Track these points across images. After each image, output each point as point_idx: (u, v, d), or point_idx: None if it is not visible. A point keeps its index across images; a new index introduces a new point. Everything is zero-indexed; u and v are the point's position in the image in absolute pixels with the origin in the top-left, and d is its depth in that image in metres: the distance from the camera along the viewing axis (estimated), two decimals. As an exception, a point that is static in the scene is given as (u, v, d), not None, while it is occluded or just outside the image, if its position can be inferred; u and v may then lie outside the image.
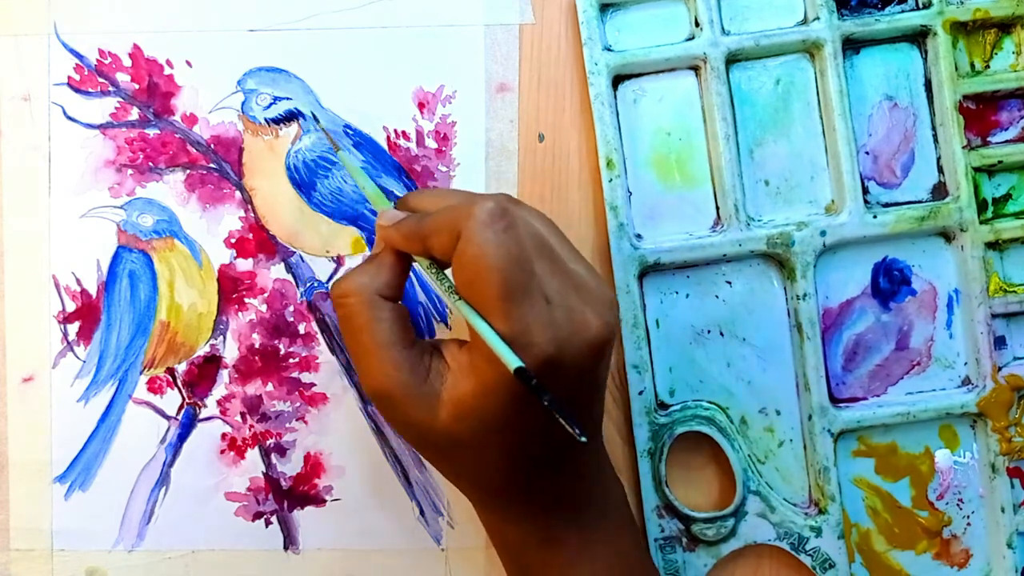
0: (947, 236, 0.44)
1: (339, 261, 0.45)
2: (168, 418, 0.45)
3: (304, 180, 0.44)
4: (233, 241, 0.45)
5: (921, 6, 0.44)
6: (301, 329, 0.45)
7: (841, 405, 0.43)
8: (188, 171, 0.45)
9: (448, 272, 0.35)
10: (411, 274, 0.44)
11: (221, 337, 0.45)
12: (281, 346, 0.45)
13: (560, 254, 0.35)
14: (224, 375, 0.45)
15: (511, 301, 0.32)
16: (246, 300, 0.45)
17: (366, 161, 0.44)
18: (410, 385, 0.34)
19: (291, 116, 0.44)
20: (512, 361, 0.31)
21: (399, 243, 0.36)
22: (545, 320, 0.33)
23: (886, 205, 0.44)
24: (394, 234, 0.36)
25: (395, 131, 0.44)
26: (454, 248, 0.33)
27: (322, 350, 0.45)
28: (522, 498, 0.36)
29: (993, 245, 0.43)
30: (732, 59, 0.43)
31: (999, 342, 0.44)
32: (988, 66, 0.44)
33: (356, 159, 0.41)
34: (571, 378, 0.34)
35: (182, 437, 0.45)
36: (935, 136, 0.44)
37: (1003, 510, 0.43)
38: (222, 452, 0.45)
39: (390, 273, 0.36)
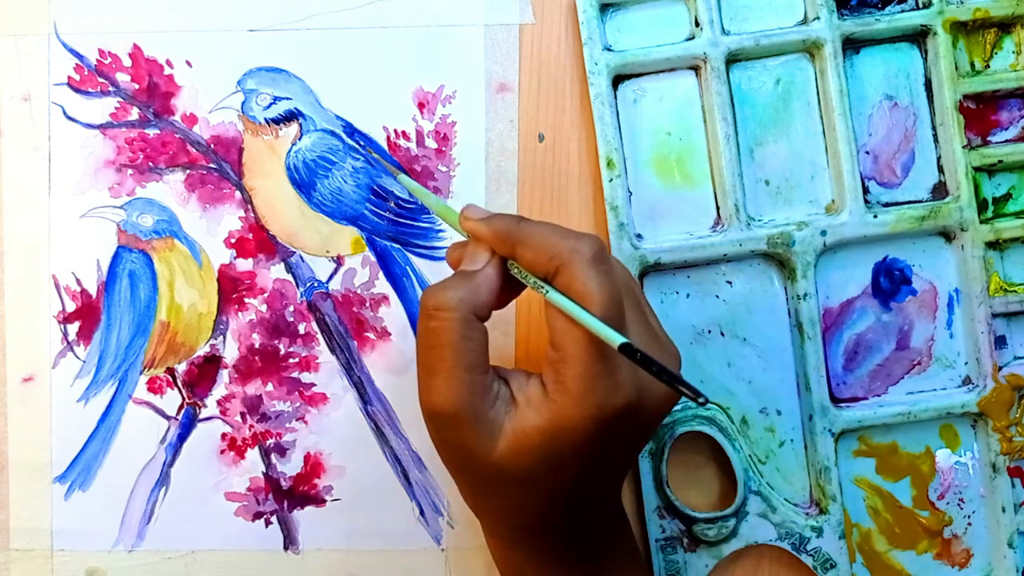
0: (947, 236, 0.44)
1: (339, 261, 0.45)
2: (168, 418, 0.44)
3: (304, 180, 0.44)
4: (233, 241, 0.45)
5: (921, 6, 0.44)
6: (301, 329, 0.45)
7: (842, 405, 0.43)
8: (188, 171, 0.45)
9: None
10: (411, 273, 0.44)
11: (221, 337, 0.45)
12: (281, 346, 0.45)
13: (643, 305, 0.36)
14: (224, 375, 0.45)
15: (607, 343, 0.32)
16: (246, 300, 0.45)
17: (366, 161, 0.44)
18: (478, 412, 0.33)
19: (291, 116, 0.44)
20: (615, 338, 0.31)
21: (487, 237, 0.35)
22: (631, 366, 0.33)
23: (886, 205, 0.44)
24: (484, 229, 0.35)
25: (395, 131, 0.44)
26: (547, 271, 0.33)
27: (322, 350, 0.45)
28: (549, 538, 0.36)
29: (993, 244, 0.43)
30: (732, 59, 0.43)
31: (999, 341, 0.44)
32: (988, 66, 0.44)
33: (414, 181, 0.41)
34: (643, 425, 0.34)
35: (182, 437, 0.44)
36: (935, 136, 0.44)
37: (1004, 510, 0.43)
38: (222, 452, 0.44)
39: (490, 293, 0.35)
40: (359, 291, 0.45)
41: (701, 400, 0.30)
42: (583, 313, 0.32)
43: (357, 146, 0.44)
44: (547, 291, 0.33)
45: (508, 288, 0.36)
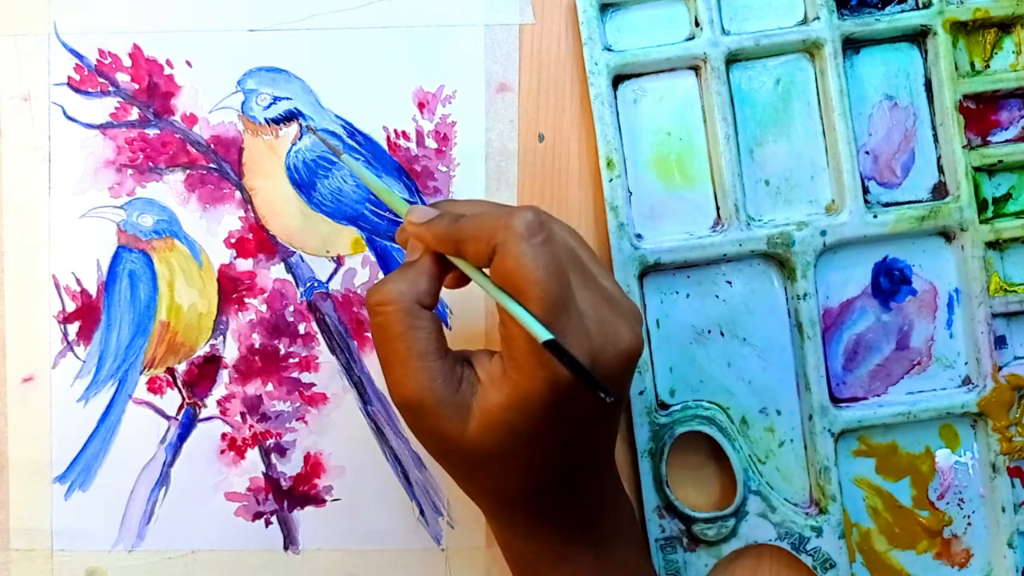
0: (947, 236, 0.44)
1: (339, 261, 0.45)
2: (168, 418, 0.45)
3: (304, 180, 0.44)
4: (233, 241, 0.45)
5: (921, 6, 0.44)
6: (301, 329, 0.45)
7: (842, 405, 0.43)
8: (188, 171, 0.45)
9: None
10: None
11: (221, 337, 0.45)
12: (281, 346, 0.45)
13: (590, 268, 0.35)
14: (224, 375, 0.45)
15: (549, 314, 0.32)
16: (246, 300, 0.45)
17: (366, 161, 0.44)
18: (442, 396, 0.34)
19: (291, 116, 0.44)
20: (542, 334, 0.31)
21: (431, 243, 0.35)
22: (581, 332, 0.33)
23: (886, 205, 0.44)
24: (426, 233, 0.35)
25: (395, 131, 0.44)
26: (488, 257, 0.33)
27: (322, 350, 0.45)
28: (540, 514, 0.36)
29: (993, 244, 0.43)
30: (732, 59, 0.43)
31: (999, 341, 0.44)
32: (988, 66, 0.44)
33: (358, 162, 0.40)
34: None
35: (182, 437, 0.44)
36: (935, 136, 0.44)
37: (1004, 510, 0.43)
38: (222, 452, 0.44)
39: (429, 281, 0.35)
40: (359, 291, 0.45)
41: (609, 399, 0.30)
42: (512, 304, 0.32)
43: (357, 146, 0.45)
44: (489, 284, 0.34)
45: (450, 269, 0.36)
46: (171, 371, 0.45)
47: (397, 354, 0.34)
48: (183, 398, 0.45)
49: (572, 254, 0.35)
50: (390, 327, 0.34)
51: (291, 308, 0.45)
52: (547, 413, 0.33)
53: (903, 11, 0.44)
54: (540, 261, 0.32)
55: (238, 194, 0.45)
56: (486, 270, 0.34)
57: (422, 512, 0.44)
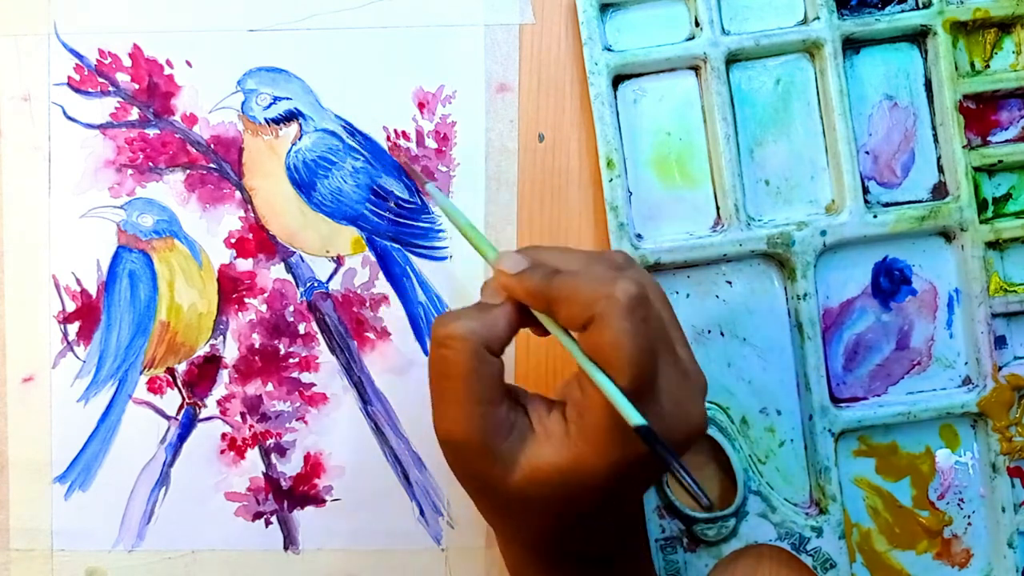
0: (947, 236, 0.44)
1: (339, 261, 0.45)
2: (168, 418, 0.45)
3: (304, 180, 0.44)
4: (233, 241, 0.45)
5: (921, 6, 0.44)
6: (301, 329, 0.45)
7: (842, 405, 0.43)
8: (188, 171, 0.45)
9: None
10: (411, 273, 0.44)
11: (221, 337, 0.45)
12: (281, 346, 0.45)
13: (674, 341, 0.34)
14: (224, 375, 0.45)
15: (635, 395, 0.31)
16: (246, 300, 0.45)
17: (366, 161, 0.44)
18: (491, 442, 0.33)
19: (291, 116, 0.44)
20: (635, 419, 0.30)
21: (520, 295, 0.33)
22: (656, 412, 0.32)
23: (886, 205, 0.44)
24: (517, 286, 0.33)
25: (395, 131, 0.44)
26: (583, 324, 0.32)
27: (322, 350, 0.45)
28: (561, 554, 0.36)
29: (993, 244, 0.43)
30: (732, 59, 0.43)
31: (999, 341, 0.44)
32: (988, 66, 0.44)
33: (446, 197, 0.39)
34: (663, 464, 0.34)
35: (182, 437, 0.44)
36: (935, 136, 0.44)
37: (1004, 510, 0.43)
38: (222, 452, 0.44)
39: (505, 329, 0.33)
40: (359, 291, 0.45)
41: (704, 503, 0.29)
42: (606, 382, 0.31)
43: (357, 146, 0.45)
44: (580, 355, 0.32)
45: (530, 321, 0.34)
46: (171, 371, 0.45)
47: (455, 393, 0.33)
48: (183, 398, 0.45)
49: (662, 329, 0.33)
50: (454, 364, 0.32)
51: (291, 308, 0.45)
52: (604, 486, 0.32)
53: (903, 11, 0.44)
54: (639, 341, 0.31)
55: (238, 194, 0.45)
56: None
57: (422, 512, 0.44)
